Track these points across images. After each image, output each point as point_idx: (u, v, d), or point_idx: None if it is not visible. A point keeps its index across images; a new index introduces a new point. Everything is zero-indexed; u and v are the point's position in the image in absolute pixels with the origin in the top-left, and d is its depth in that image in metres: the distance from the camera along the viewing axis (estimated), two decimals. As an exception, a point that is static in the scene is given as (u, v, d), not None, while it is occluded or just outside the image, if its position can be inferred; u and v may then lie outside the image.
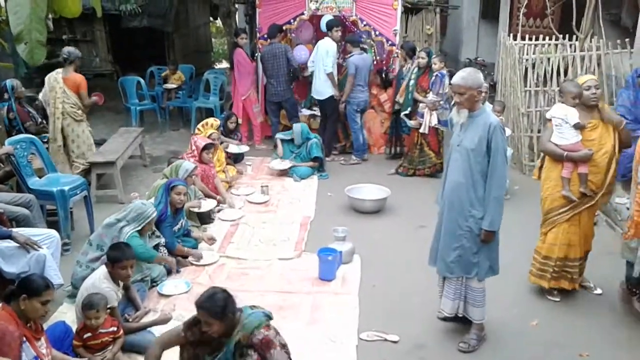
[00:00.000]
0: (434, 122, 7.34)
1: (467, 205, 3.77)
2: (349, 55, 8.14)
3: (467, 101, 3.74)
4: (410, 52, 8.10)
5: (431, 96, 7.28)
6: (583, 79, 4.49)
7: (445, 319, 4.20)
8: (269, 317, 3.21)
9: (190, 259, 5.21)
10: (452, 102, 7.33)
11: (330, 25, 8.19)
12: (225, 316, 3.03)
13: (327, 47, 8.10)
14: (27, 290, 3.18)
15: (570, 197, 4.35)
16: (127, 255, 3.97)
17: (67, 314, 4.25)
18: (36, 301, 3.19)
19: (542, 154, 4.75)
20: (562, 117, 4.34)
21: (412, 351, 3.97)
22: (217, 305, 3.01)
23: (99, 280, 3.89)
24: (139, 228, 4.60)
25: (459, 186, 3.78)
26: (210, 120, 7.29)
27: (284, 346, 3.25)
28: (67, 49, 6.85)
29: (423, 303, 4.45)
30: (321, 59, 8.11)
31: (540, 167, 4.72)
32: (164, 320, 4.10)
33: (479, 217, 3.76)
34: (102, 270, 4.00)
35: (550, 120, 4.51)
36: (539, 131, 7.94)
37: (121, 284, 4.05)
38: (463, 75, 3.73)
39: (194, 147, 6.53)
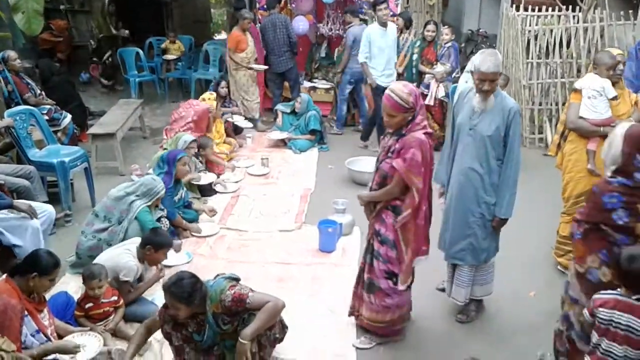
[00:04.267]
0: (441, 94, 7.28)
1: (482, 192, 3.67)
2: (348, 25, 8.03)
3: (495, 87, 3.57)
4: (407, 22, 8.00)
5: (439, 67, 7.22)
6: (615, 52, 4.42)
7: (443, 289, 4.23)
8: (233, 278, 3.23)
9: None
10: (453, 75, 7.34)
11: (373, 5, 7.38)
12: (192, 301, 3.03)
13: (361, 34, 7.51)
14: (37, 269, 3.20)
15: (596, 171, 4.27)
16: (168, 243, 4.10)
17: (69, 284, 4.28)
18: (45, 279, 3.23)
19: (560, 130, 4.63)
20: (598, 89, 4.17)
21: (410, 322, 4.01)
22: (184, 291, 3.01)
23: (125, 252, 3.97)
24: (149, 203, 4.63)
25: (473, 174, 3.66)
26: (206, 94, 7.24)
27: None
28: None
29: (421, 274, 4.44)
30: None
31: (558, 144, 4.63)
32: (157, 278, 4.14)
33: (492, 203, 3.70)
34: (130, 245, 4.07)
35: (578, 91, 4.34)
36: (540, 104, 7.92)
37: (145, 264, 4.11)
38: (496, 62, 3.51)
39: (189, 119, 6.48)
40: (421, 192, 3.39)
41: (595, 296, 2.80)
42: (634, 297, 2.69)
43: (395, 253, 3.52)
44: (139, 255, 4.01)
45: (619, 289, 2.77)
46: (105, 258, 3.96)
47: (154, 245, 3.98)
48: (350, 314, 3.92)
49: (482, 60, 3.52)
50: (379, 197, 3.51)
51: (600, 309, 2.74)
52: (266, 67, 8.43)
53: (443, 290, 4.25)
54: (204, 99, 7.06)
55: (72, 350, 3.29)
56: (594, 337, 2.78)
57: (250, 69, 8.21)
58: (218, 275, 3.28)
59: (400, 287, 3.59)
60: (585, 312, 2.84)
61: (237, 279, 3.25)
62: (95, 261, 3.97)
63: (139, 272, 4.03)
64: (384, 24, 7.21)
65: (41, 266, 3.22)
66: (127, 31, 10.63)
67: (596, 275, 3.03)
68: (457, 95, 3.93)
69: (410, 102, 3.32)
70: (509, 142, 3.60)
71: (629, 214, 2.92)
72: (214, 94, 7.29)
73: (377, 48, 7.22)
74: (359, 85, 8.18)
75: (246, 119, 8.09)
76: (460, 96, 3.84)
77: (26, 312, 3.16)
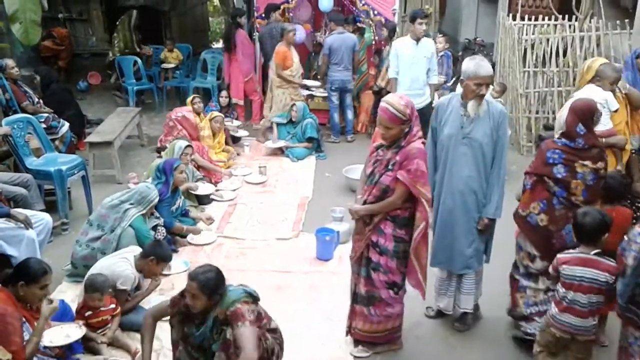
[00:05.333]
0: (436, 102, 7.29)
1: (481, 197, 3.71)
2: (329, 34, 8.10)
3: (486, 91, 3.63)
4: (391, 32, 8.02)
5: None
6: (604, 61, 4.47)
7: (435, 315, 4.20)
8: (251, 295, 3.12)
9: (189, 237, 5.24)
10: (449, 84, 7.33)
11: (413, 17, 6.76)
12: (214, 295, 3.01)
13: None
14: (24, 277, 3.19)
15: None
16: (169, 258, 4.17)
17: (66, 293, 4.27)
18: (35, 287, 3.20)
19: None
20: (601, 102, 4.20)
21: (407, 330, 3.99)
22: (211, 282, 3.00)
23: (122, 261, 3.96)
24: (144, 211, 4.62)
25: (473, 181, 3.68)
26: (189, 99, 7.29)
27: (272, 330, 3.21)
28: (281, 25, 8.00)
29: (420, 283, 4.48)
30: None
31: None
32: (154, 286, 4.14)
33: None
34: (128, 254, 4.05)
35: None
36: (537, 112, 7.95)
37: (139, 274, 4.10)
38: (489, 65, 3.61)
39: (179, 127, 6.55)
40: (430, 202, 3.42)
41: (559, 255, 3.23)
42: (592, 253, 3.11)
43: (396, 263, 3.52)
44: (137, 265, 4.00)
45: (577, 248, 3.20)
46: (102, 266, 3.95)
47: (157, 258, 3.98)
48: (348, 332, 3.85)
49: (478, 65, 3.56)
50: (378, 210, 3.46)
51: (564, 266, 3.17)
52: (319, 83, 8.10)
53: (435, 316, 4.19)
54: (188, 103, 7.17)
55: (51, 311, 3.27)
56: (561, 290, 3.19)
57: (305, 86, 7.98)
58: (242, 285, 3.19)
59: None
60: (550, 268, 3.29)
61: (255, 299, 3.14)
62: (92, 269, 3.96)
63: (137, 281, 4.02)
64: (417, 39, 6.66)
65: (28, 274, 3.20)
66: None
67: (535, 219, 3.59)
68: (436, 107, 3.89)
69: (407, 114, 3.33)
70: (500, 144, 3.65)
71: (567, 170, 3.46)
72: (193, 97, 7.28)
73: (405, 63, 6.66)
74: (343, 94, 8.17)
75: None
76: (440, 108, 3.82)
77: (23, 320, 3.15)
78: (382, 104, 3.40)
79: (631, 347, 2.92)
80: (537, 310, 3.72)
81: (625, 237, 2.95)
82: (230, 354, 2.96)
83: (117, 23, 10.26)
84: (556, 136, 3.62)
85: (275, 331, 3.27)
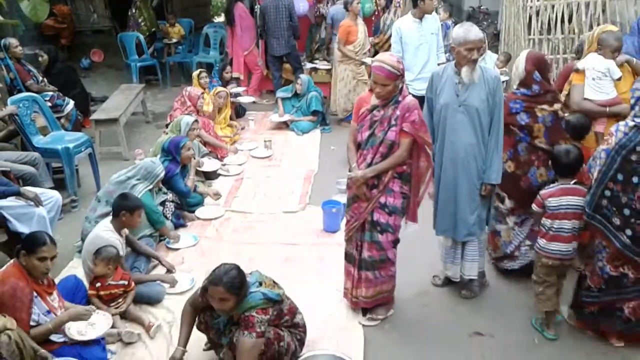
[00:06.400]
0: None
1: (481, 163, 3.74)
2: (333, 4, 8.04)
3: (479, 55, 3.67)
4: (388, 1, 7.91)
5: None
6: (614, 28, 4.43)
7: (442, 284, 4.25)
8: (271, 299, 3.08)
9: (197, 212, 5.29)
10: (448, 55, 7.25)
11: None
12: (241, 292, 2.98)
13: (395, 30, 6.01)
14: (26, 247, 3.23)
15: None
16: (140, 203, 4.15)
17: (77, 269, 4.32)
18: (33, 258, 3.18)
19: None
20: (603, 70, 4.21)
21: (414, 298, 4.07)
22: (236, 280, 2.96)
23: (103, 231, 3.96)
24: (151, 186, 4.67)
25: (473, 148, 3.70)
26: (195, 73, 7.37)
27: (294, 325, 3.26)
28: None
29: (425, 251, 4.50)
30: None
31: None
32: (170, 281, 4.17)
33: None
34: (104, 222, 4.06)
35: (580, 72, 4.31)
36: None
37: (124, 235, 4.11)
38: (478, 30, 3.61)
39: (188, 102, 6.57)
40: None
41: (542, 191, 3.58)
42: (571, 183, 3.51)
43: (400, 218, 3.64)
44: (115, 227, 4.01)
45: (557, 182, 3.59)
46: (87, 243, 3.97)
47: (127, 209, 4.00)
48: (346, 295, 3.93)
49: (466, 30, 3.59)
50: (387, 167, 3.52)
51: (551, 199, 3.51)
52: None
53: (443, 284, 4.24)
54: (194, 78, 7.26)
55: (84, 314, 3.35)
56: (547, 223, 3.54)
57: (363, 63, 7.41)
58: (263, 283, 3.14)
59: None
60: (534, 205, 3.61)
61: (276, 301, 3.12)
62: (83, 250, 4.00)
63: (124, 244, 4.04)
64: (420, 17, 5.83)
65: (29, 243, 3.23)
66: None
67: (503, 167, 3.83)
68: (430, 77, 3.89)
69: (400, 69, 3.47)
70: (497, 109, 3.68)
71: (529, 116, 3.89)
72: (199, 72, 7.32)
73: (411, 46, 5.82)
74: None
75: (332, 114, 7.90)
76: (435, 78, 3.82)
77: (36, 294, 3.21)
78: (375, 63, 3.49)
79: (600, 254, 3.30)
80: (513, 247, 4.14)
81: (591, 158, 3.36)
82: (235, 354, 3.07)
83: (137, 1, 10.13)
84: (515, 87, 3.99)
85: (297, 326, 3.32)
